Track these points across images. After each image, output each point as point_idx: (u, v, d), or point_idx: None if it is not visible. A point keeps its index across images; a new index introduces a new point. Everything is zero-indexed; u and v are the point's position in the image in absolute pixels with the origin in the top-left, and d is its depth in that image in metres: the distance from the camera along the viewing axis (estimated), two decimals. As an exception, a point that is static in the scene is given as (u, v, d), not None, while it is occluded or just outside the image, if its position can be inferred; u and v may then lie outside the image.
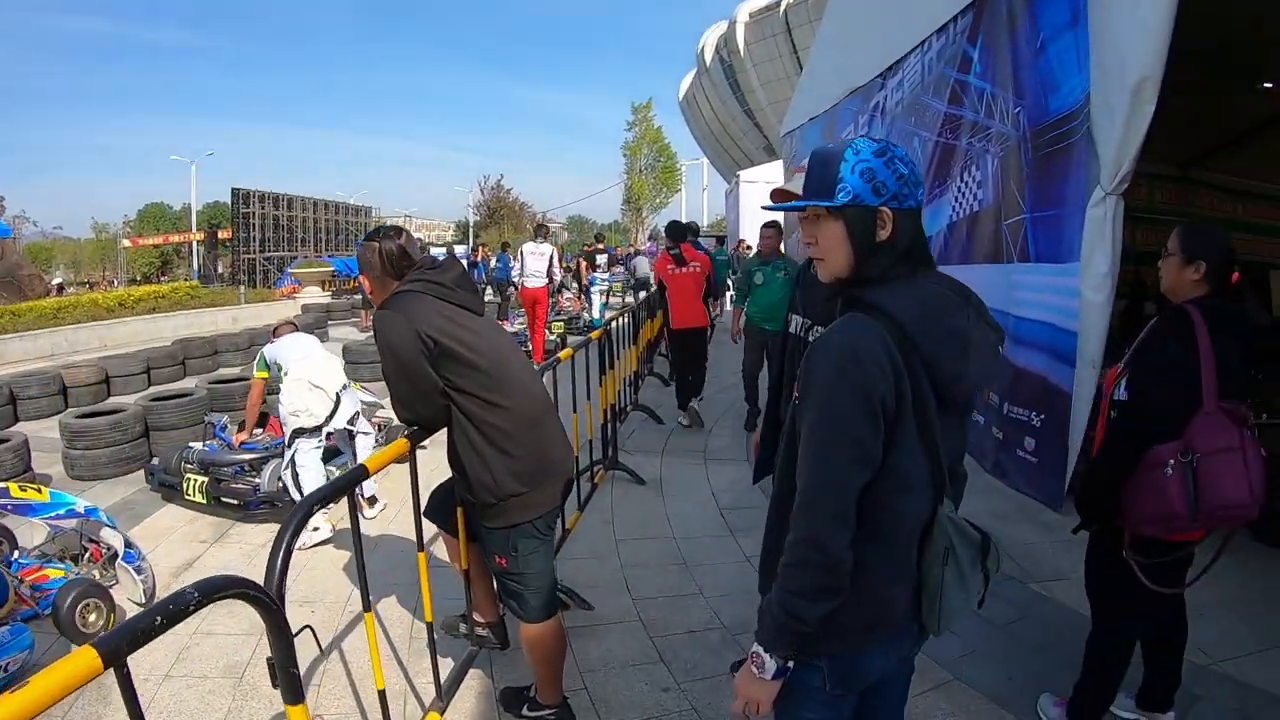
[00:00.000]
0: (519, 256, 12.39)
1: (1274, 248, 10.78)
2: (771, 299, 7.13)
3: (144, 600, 4.33)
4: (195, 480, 5.88)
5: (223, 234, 38.93)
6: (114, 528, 4.66)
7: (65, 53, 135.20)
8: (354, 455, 5.91)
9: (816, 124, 12.21)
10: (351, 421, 5.79)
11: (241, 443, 6.30)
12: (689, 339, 8.01)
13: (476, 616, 3.33)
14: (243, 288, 26.60)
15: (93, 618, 3.97)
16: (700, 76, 50.50)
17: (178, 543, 5.27)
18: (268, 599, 1.80)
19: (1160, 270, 2.72)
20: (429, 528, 3.13)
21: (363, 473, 2.66)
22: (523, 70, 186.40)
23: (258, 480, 5.78)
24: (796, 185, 2.62)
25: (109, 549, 4.58)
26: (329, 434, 5.69)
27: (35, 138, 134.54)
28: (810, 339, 2.71)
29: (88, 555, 4.60)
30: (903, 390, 1.55)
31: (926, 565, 1.66)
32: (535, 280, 11.95)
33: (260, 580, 1.88)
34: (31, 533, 4.85)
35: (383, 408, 7.28)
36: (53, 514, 4.59)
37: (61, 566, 4.44)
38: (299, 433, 5.50)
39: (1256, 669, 3.46)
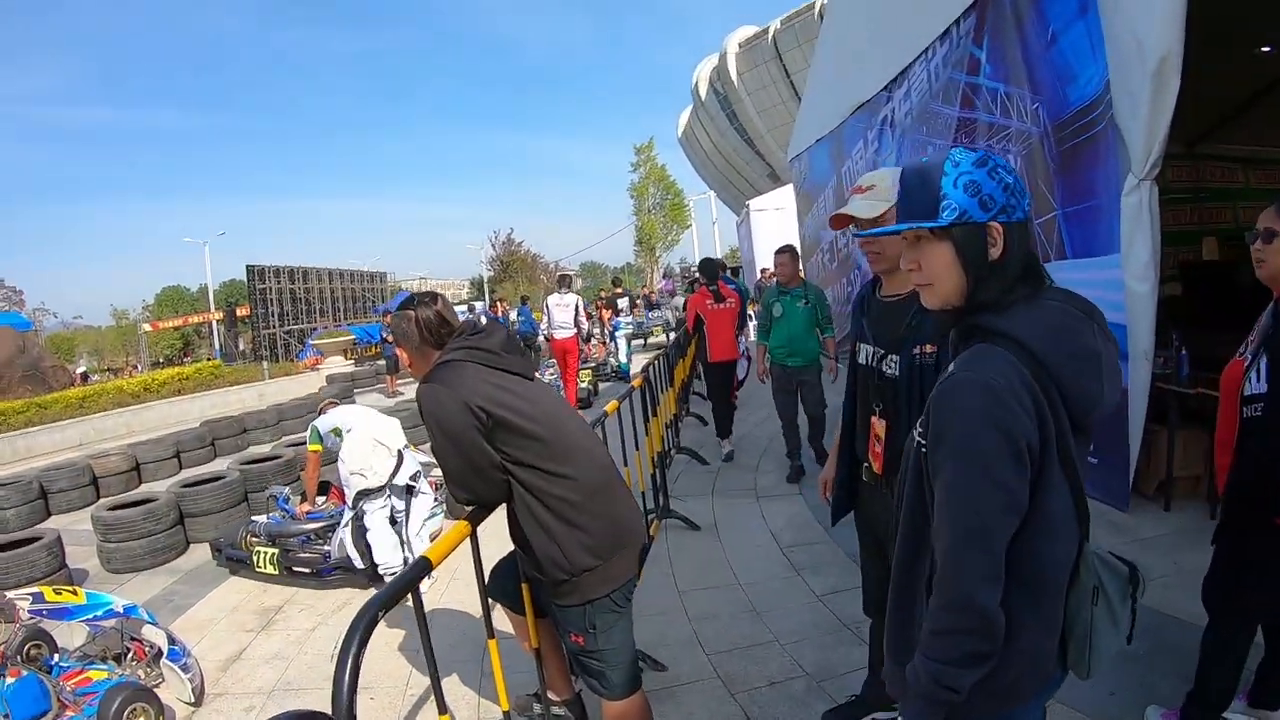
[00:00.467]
0: (545, 309, 12.54)
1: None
2: (792, 331, 6.73)
3: (192, 700, 4.20)
4: (265, 553, 6.02)
5: (241, 311, 39.40)
6: (155, 624, 4.52)
7: (69, 143, 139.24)
8: (408, 516, 5.86)
9: (824, 144, 12.19)
10: (414, 479, 5.81)
11: (306, 513, 6.35)
12: (725, 370, 8.31)
13: (551, 695, 3.16)
14: (265, 363, 26.72)
15: None
16: (697, 111, 50.88)
17: (223, 634, 5.16)
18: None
19: (1258, 254, 2.52)
20: (449, 625, 2.97)
21: (426, 567, 2.46)
22: (523, 123, 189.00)
23: (326, 548, 5.88)
24: (861, 207, 2.51)
25: (152, 647, 4.44)
26: (390, 494, 5.71)
27: (48, 230, 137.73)
28: (885, 369, 2.55)
29: (130, 654, 4.45)
30: (1045, 425, 1.42)
31: (1074, 608, 1.53)
32: (564, 331, 12.02)
33: (323, 695, 1.75)
34: (71, 633, 4.70)
35: (437, 468, 7.23)
36: (90, 615, 4.46)
37: (104, 667, 4.31)
38: (363, 495, 5.50)
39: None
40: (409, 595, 2.32)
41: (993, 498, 1.39)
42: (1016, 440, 1.38)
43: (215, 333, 46.68)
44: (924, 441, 1.51)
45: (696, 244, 55.03)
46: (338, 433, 5.75)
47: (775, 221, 21.79)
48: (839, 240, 11.87)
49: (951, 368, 1.51)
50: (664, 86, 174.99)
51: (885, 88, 8.82)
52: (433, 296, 2.75)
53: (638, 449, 5.63)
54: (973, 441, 1.39)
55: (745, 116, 45.63)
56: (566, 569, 2.51)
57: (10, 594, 4.55)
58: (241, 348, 37.44)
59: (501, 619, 3.03)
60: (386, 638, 4.57)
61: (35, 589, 4.57)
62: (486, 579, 3.00)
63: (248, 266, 33.78)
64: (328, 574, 5.79)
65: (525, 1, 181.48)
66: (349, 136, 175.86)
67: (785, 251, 6.90)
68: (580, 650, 2.68)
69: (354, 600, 5.42)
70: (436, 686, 2.49)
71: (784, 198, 20.16)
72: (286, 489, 7.08)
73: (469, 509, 2.76)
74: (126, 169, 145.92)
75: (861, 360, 2.68)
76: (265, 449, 10.63)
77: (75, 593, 4.56)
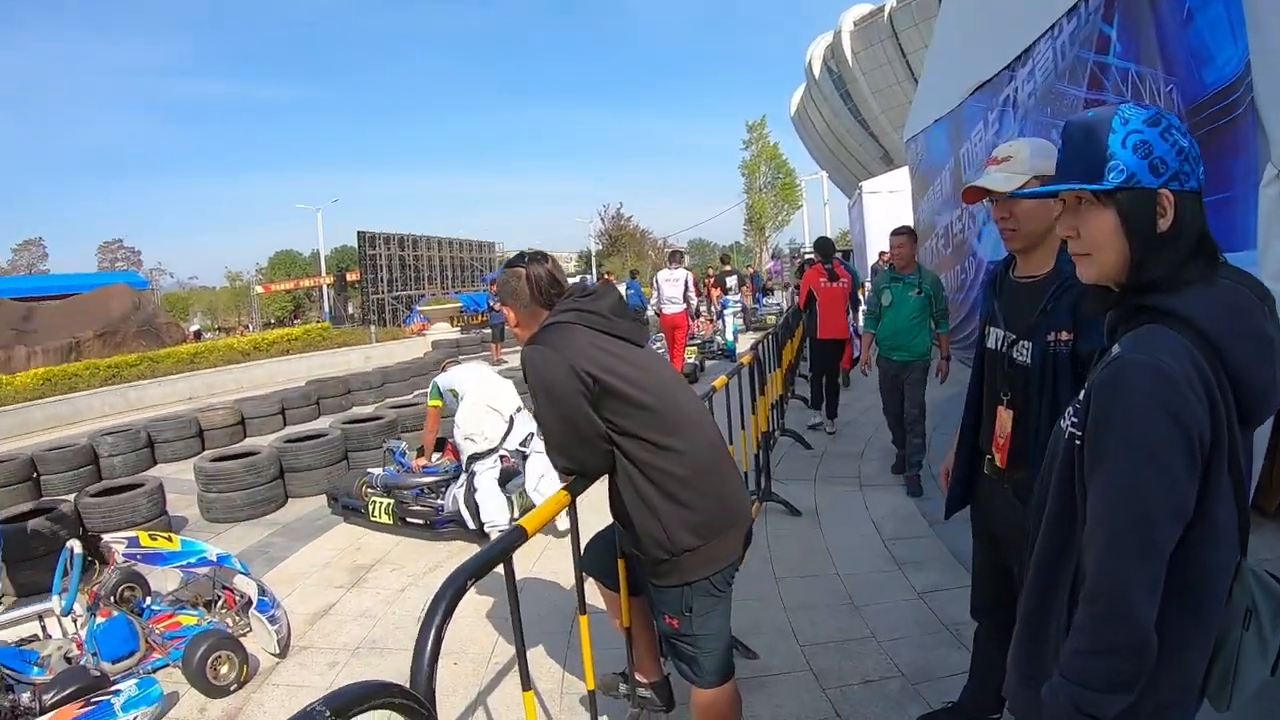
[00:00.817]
0: (654, 284, 12.79)
1: None
2: (900, 323, 6.24)
3: (278, 650, 4.30)
4: (380, 503, 6.29)
5: (351, 276, 40.28)
6: (247, 574, 4.66)
7: (192, 114, 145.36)
8: (525, 477, 6.03)
9: (942, 125, 11.80)
10: (524, 443, 5.95)
11: (422, 467, 6.62)
12: (832, 349, 8.47)
13: (639, 676, 3.10)
14: (373, 327, 27.40)
15: (224, 669, 3.95)
16: (810, 90, 50.11)
17: (313, 589, 5.28)
18: (419, 706, 1.51)
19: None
20: (538, 596, 2.91)
21: (520, 536, 2.41)
22: (634, 100, 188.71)
23: (440, 502, 6.13)
24: (998, 179, 2.34)
25: (242, 596, 4.60)
26: (503, 455, 5.87)
27: (169, 196, 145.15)
28: (1015, 355, 2.39)
29: (221, 602, 4.64)
30: (1218, 418, 1.27)
31: (1223, 630, 1.36)
32: (673, 306, 12.17)
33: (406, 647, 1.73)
34: (165, 578, 4.92)
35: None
36: (183, 562, 4.63)
37: (195, 613, 4.50)
38: (475, 458, 5.66)
39: None
40: (501, 564, 2.28)
41: (1161, 496, 1.24)
42: (1189, 431, 1.23)
43: (325, 296, 48.04)
44: (1079, 431, 1.36)
45: (807, 225, 53.99)
46: (454, 394, 5.93)
47: (889, 204, 21.28)
48: (954, 225, 11.50)
49: (1117, 349, 1.35)
50: (777, 64, 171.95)
51: (1008, 66, 8.46)
52: (543, 255, 2.67)
53: (743, 428, 5.56)
54: (1142, 429, 1.25)
55: (859, 96, 44.71)
56: (667, 547, 2.41)
57: (107, 537, 4.82)
58: (351, 312, 38.53)
59: (594, 593, 2.98)
60: (475, 603, 4.59)
61: (132, 533, 4.77)
62: (584, 554, 2.94)
63: (359, 233, 34.50)
64: (441, 526, 6.00)
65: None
66: (460, 113, 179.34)
67: (903, 232, 6.33)
68: (674, 633, 2.59)
69: (450, 561, 5.47)
70: (522, 661, 2.46)
71: (898, 180, 19.67)
72: (403, 443, 7.33)
73: (570, 477, 2.67)
74: (245, 139, 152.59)
75: (990, 344, 2.52)
76: (368, 409, 10.95)
77: (170, 539, 4.74)
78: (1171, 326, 1.31)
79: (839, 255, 8.93)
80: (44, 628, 4.38)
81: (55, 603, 4.32)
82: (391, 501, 6.25)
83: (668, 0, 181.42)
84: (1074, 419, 1.41)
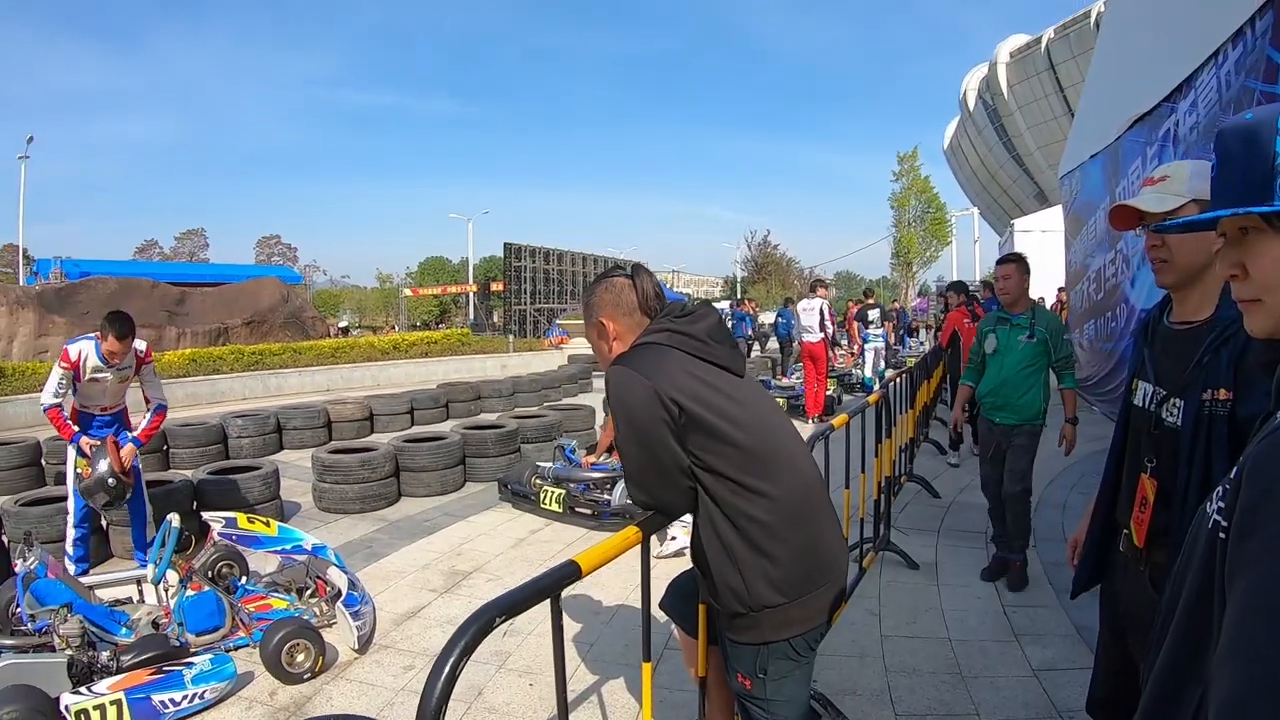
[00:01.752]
0: (794, 315, 13.07)
1: None
2: (1007, 374, 5.16)
3: (357, 646, 4.30)
4: (553, 492, 6.84)
5: (496, 286, 41.26)
6: (341, 567, 4.70)
7: (355, 121, 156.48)
8: None
9: (1098, 161, 11.18)
10: None
11: (590, 464, 7.05)
12: None
13: None
14: (511, 337, 27.63)
15: (300, 658, 3.98)
16: (964, 123, 48.76)
17: (407, 589, 5.29)
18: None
19: None
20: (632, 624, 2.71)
21: (573, 573, 2.15)
22: (785, 127, 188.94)
23: (606, 497, 6.60)
24: (1151, 200, 2.04)
25: (333, 588, 4.63)
26: None
27: (328, 197, 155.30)
28: (1164, 415, 2.04)
29: (311, 591, 4.69)
30: None
31: None
32: (810, 335, 12.06)
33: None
34: (265, 561, 5.03)
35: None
36: (278, 547, 4.75)
37: (285, 598, 4.60)
38: None
39: None
40: (545, 601, 2.07)
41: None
42: None
43: (470, 303, 49.44)
44: (1225, 521, 0.99)
45: (955, 262, 52.20)
46: None
47: (1041, 243, 20.42)
48: (1107, 269, 10.82)
49: None
50: (931, 95, 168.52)
51: (1167, 98, 7.92)
52: (641, 267, 2.51)
53: (864, 471, 5.31)
54: None
55: (1014, 130, 43.15)
56: (746, 601, 2.21)
57: (207, 516, 5.01)
58: (494, 320, 39.49)
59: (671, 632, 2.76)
60: (574, 618, 4.51)
61: (231, 514, 4.97)
62: (665, 591, 2.80)
63: (505, 244, 35.34)
64: (606, 518, 6.42)
65: (791, 6, 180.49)
66: (611, 133, 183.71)
67: (1010, 261, 5.34)
68: (746, 694, 2.38)
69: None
70: (562, 709, 2.24)
71: (1052, 219, 18.86)
72: (574, 441, 7.91)
73: (646, 513, 2.46)
74: (403, 148, 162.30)
75: (1137, 401, 2.17)
76: (493, 417, 11.06)
77: (268, 524, 4.91)
78: None
79: (976, 294, 8.67)
80: (141, 593, 4.63)
81: (149, 570, 4.56)
82: (563, 492, 6.74)
83: (821, 29, 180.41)
84: (1221, 503, 1.03)
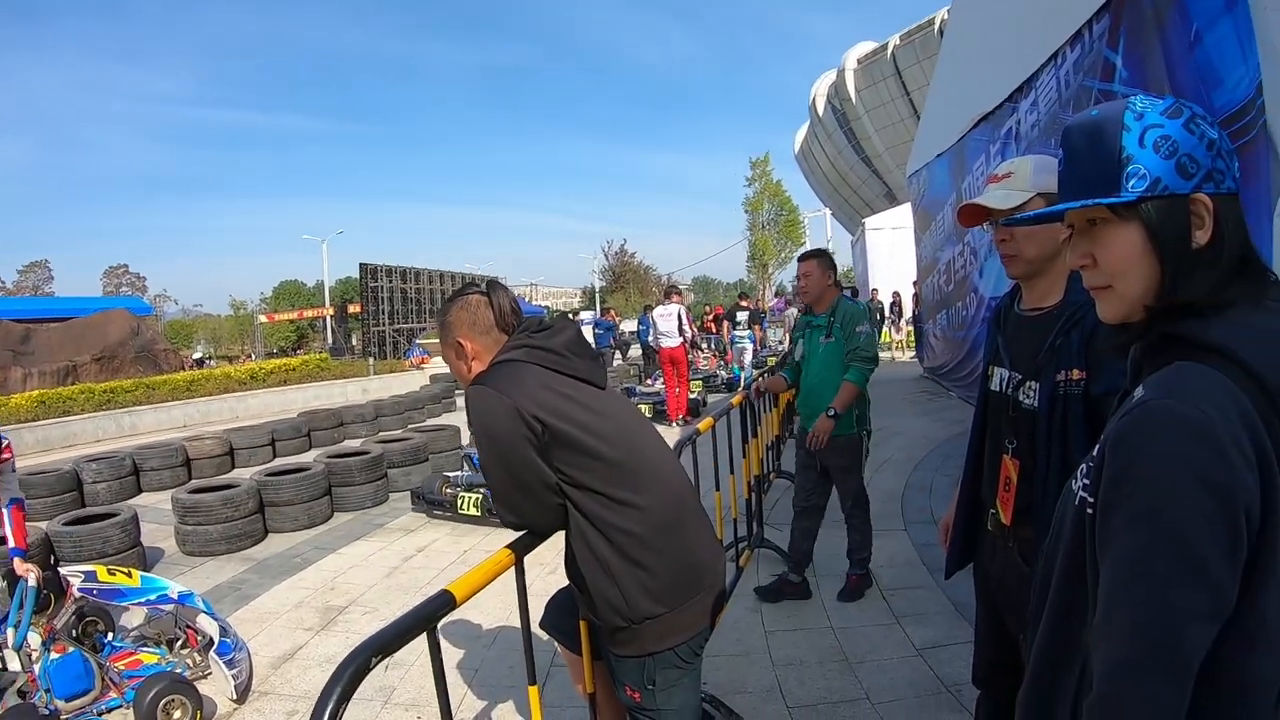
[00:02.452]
0: (651, 321, 13.29)
1: None
2: (810, 382, 4.77)
3: (235, 696, 4.06)
4: (469, 497, 7.01)
5: (353, 308, 40.19)
6: (210, 614, 4.40)
7: (201, 143, 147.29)
8: None
9: (944, 159, 11.67)
10: None
11: None
12: None
13: None
14: (371, 360, 27.10)
15: (177, 715, 3.74)
16: (814, 128, 50.33)
17: (281, 630, 5.01)
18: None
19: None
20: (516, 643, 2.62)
21: (447, 603, 2.06)
22: (638, 136, 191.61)
23: None
24: (997, 196, 2.04)
25: (204, 636, 4.35)
26: None
27: (175, 222, 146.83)
28: (1021, 398, 2.11)
29: (183, 642, 4.39)
30: (1271, 485, 0.96)
31: None
32: (669, 340, 12.37)
33: None
34: (132, 614, 4.71)
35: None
36: (142, 599, 4.35)
37: (156, 651, 4.28)
38: None
39: None
40: (421, 635, 1.96)
41: (1189, 593, 0.93)
42: (1231, 504, 0.93)
43: (328, 327, 48.17)
44: (1091, 498, 1.07)
45: (810, 263, 54.05)
46: None
47: (891, 241, 21.26)
48: (956, 260, 11.31)
49: (1141, 392, 1.05)
50: (781, 103, 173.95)
51: (1009, 98, 8.32)
52: (500, 284, 2.42)
53: (732, 472, 5.30)
54: (1167, 505, 0.94)
55: (863, 133, 44.86)
56: (626, 615, 2.15)
57: (64, 570, 4.54)
58: (353, 343, 38.48)
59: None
60: (447, 652, 4.24)
61: (90, 567, 4.50)
62: (544, 610, 2.71)
63: (361, 264, 34.47)
64: None
65: (642, 18, 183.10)
66: (465, 146, 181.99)
67: (810, 258, 4.84)
68: (636, 707, 2.31)
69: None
70: None
71: (901, 216, 19.65)
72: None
73: (518, 533, 2.39)
74: (253, 168, 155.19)
75: (994, 386, 2.23)
76: (357, 444, 10.64)
77: (130, 575, 4.47)
78: (1210, 363, 1.02)
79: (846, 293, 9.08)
80: (3, 660, 4.15)
81: (8, 635, 4.10)
82: (481, 496, 6.85)
83: (676, 38, 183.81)
84: (1086, 480, 1.10)
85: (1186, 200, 1.07)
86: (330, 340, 44.76)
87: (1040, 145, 7.33)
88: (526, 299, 61.64)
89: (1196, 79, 4.60)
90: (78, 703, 3.89)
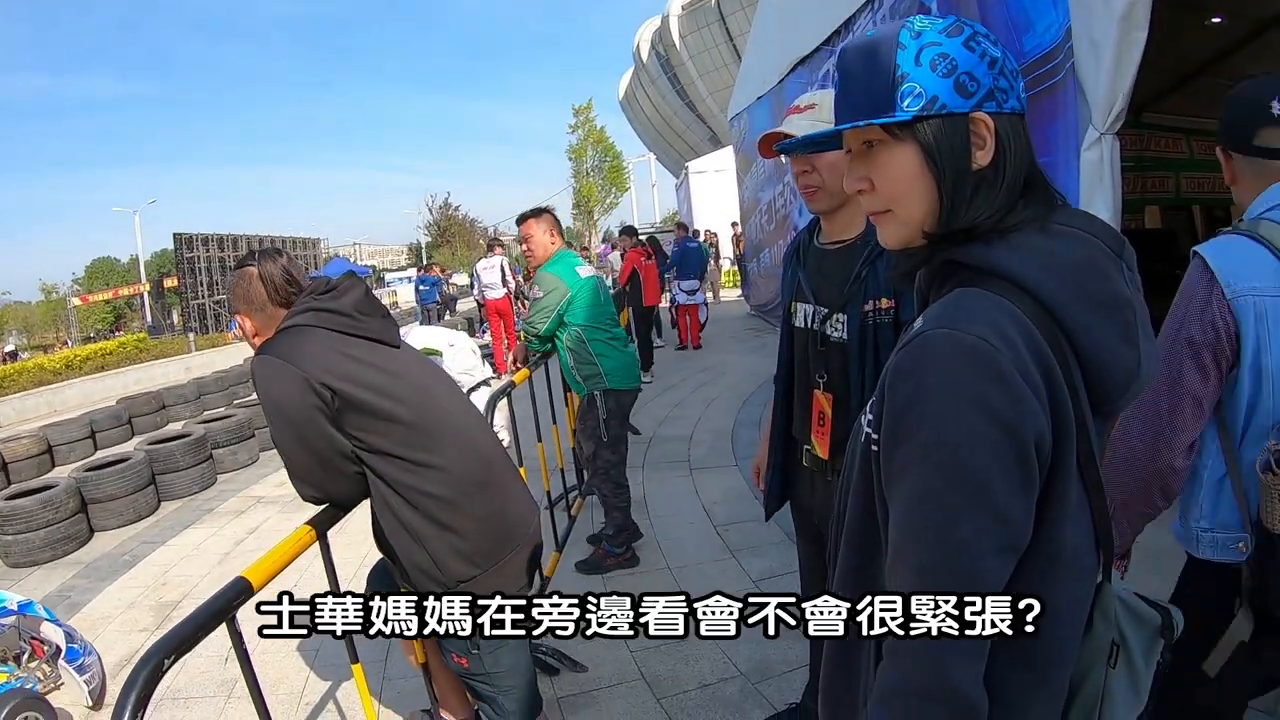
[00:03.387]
0: (474, 274, 13.60)
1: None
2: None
3: (91, 703, 3.79)
4: None
5: (169, 282, 37.96)
6: (55, 622, 4.06)
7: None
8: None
9: (765, 102, 11.80)
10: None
11: None
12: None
13: (446, 715, 2.71)
14: (192, 335, 25.75)
15: None
16: (638, 74, 50.22)
17: (117, 634, 4.59)
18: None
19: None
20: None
21: (243, 591, 1.88)
22: (461, 86, 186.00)
23: None
24: (801, 125, 1.93)
25: (51, 645, 4.00)
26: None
27: None
28: (829, 331, 2.08)
29: (29, 654, 3.98)
30: (1061, 411, 0.93)
31: (1082, 669, 1.02)
32: (493, 292, 12.61)
33: None
34: None
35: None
36: None
37: (4, 669, 3.85)
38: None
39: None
40: (221, 627, 1.81)
41: (981, 531, 0.88)
42: (1019, 433, 0.88)
43: (146, 305, 45.50)
44: (875, 434, 1.00)
45: (635, 207, 54.49)
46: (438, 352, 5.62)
47: (715, 183, 21.57)
48: (777, 200, 11.56)
49: (919, 322, 1.00)
50: (605, 49, 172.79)
51: (826, 41, 8.45)
52: (277, 251, 2.25)
53: (555, 422, 5.17)
54: (948, 435, 0.89)
55: (687, 80, 45.13)
56: (439, 579, 2.07)
57: None
58: (174, 320, 36.06)
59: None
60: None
61: None
62: (366, 583, 2.61)
63: (175, 235, 32.61)
64: None
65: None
66: (281, 102, 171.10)
67: (527, 219, 4.41)
68: (465, 673, 2.24)
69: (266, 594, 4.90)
70: None
71: (724, 159, 19.93)
72: None
73: (319, 508, 2.23)
74: (52, 137, 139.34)
75: (799, 322, 2.21)
76: (178, 426, 9.93)
77: None
78: (992, 288, 0.97)
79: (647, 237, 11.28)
80: None
81: None
82: None
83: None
84: (870, 415, 1.05)
85: (966, 119, 0.99)
86: (149, 318, 41.73)
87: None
88: (351, 259, 59.28)
89: (1008, 24, 4.76)
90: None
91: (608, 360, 4.21)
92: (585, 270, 4.32)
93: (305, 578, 4.40)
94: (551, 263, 4.26)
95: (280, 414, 1.96)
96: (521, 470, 4.00)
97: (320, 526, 2.18)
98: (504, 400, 4.15)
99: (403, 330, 6.37)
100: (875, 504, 1.02)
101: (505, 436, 5.65)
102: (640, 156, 55.24)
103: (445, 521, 2.06)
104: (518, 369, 4.70)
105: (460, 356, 5.60)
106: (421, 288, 18.56)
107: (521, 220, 4.43)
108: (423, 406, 2.09)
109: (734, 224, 18.40)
